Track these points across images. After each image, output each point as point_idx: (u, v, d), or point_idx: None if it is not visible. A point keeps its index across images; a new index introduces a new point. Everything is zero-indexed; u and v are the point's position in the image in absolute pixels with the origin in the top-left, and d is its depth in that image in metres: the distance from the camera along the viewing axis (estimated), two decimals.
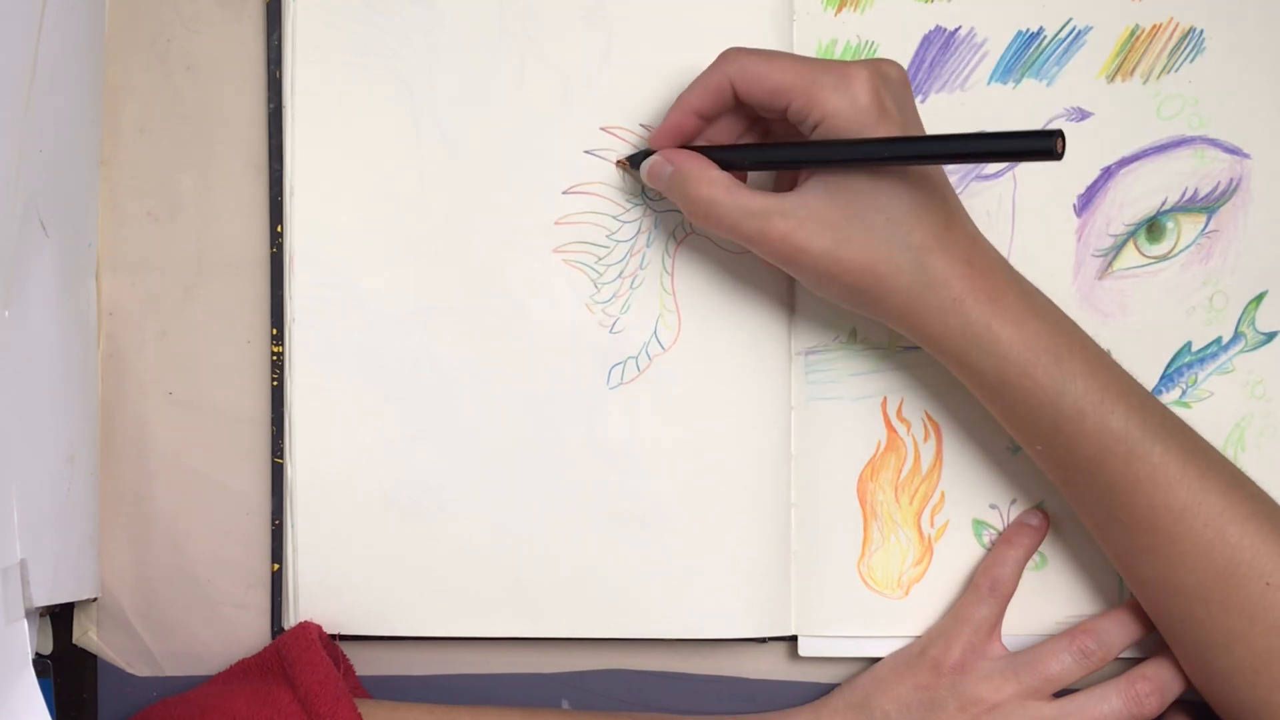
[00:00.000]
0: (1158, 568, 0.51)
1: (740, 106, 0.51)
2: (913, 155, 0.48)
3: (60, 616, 0.57)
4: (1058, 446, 0.51)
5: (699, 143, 0.53)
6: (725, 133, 0.53)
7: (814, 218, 0.49)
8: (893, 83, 0.50)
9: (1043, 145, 0.44)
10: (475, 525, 0.56)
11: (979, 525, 0.57)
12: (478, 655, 0.57)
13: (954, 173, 0.56)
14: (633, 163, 0.55)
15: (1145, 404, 0.50)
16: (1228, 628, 0.50)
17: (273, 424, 0.56)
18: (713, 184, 0.50)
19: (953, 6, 0.57)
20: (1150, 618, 0.53)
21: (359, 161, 0.56)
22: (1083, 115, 0.57)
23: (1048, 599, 0.57)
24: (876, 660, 0.57)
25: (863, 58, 0.56)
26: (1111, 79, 0.57)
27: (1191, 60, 0.57)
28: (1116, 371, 0.51)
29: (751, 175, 0.54)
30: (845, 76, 0.48)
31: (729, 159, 0.52)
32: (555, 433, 0.56)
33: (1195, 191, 0.57)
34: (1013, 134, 0.45)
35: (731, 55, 0.50)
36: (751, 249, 0.51)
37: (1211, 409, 0.57)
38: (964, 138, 0.47)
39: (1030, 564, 0.56)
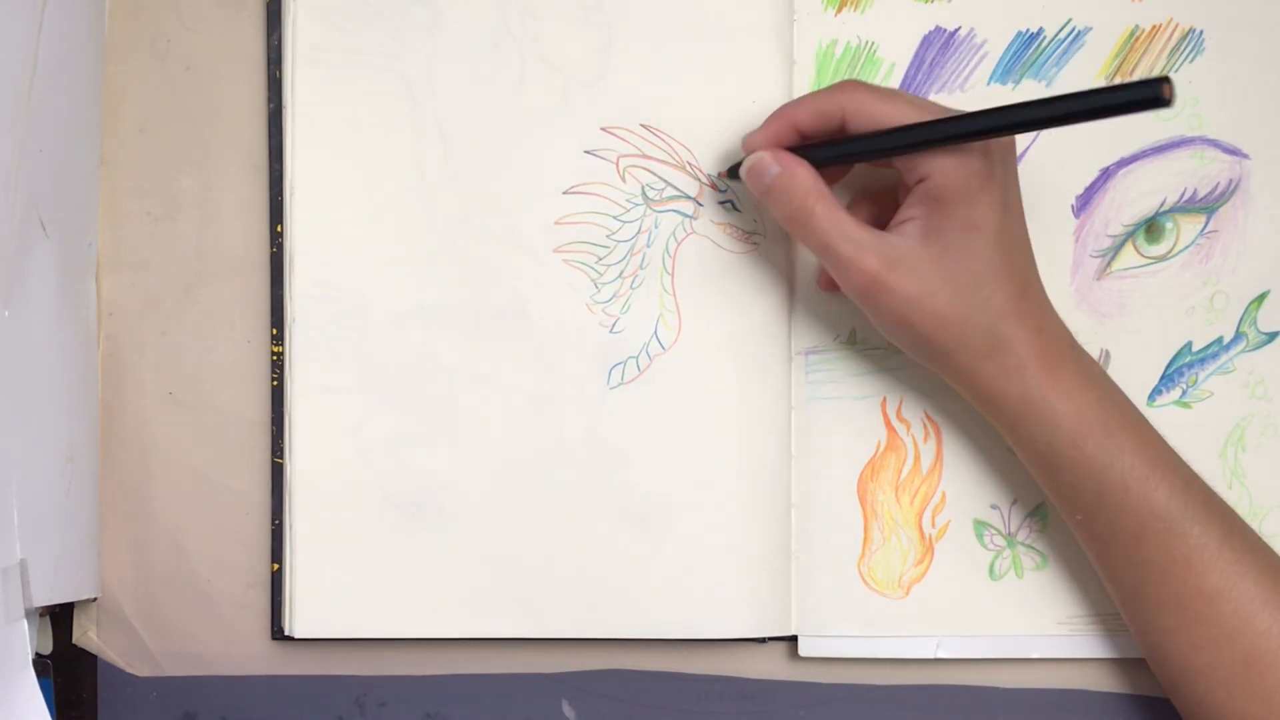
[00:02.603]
0: (1182, 648, 0.51)
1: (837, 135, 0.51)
2: (1029, 121, 0.47)
3: (60, 616, 0.57)
4: (1099, 519, 0.51)
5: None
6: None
7: (906, 263, 0.49)
8: (1003, 146, 0.50)
9: (1151, 93, 0.44)
10: (475, 525, 0.56)
11: (980, 525, 0.57)
12: (478, 655, 0.57)
13: None
14: (732, 174, 0.55)
15: (1189, 483, 0.51)
16: (1248, 713, 0.50)
17: (273, 424, 0.56)
18: (820, 196, 0.50)
19: (953, 7, 0.57)
20: (1167, 693, 0.53)
21: (359, 161, 0.56)
22: None
23: (1048, 599, 0.57)
24: (877, 661, 0.57)
25: (863, 59, 0.56)
26: (1111, 79, 0.57)
27: (1191, 61, 0.57)
28: (1163, 449, 0.51)
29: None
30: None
31: (830, 154, 0.51)
32: (555, 433, 0.56)
33: (1194, 192, 0.57)
34: (1121, 86, 0.45)
35: (851, 87, 0.51)
36: (833, 272, 0.51)
37: (1212, 409, 0.57)
38: (1073, 97, 0.46)
39: (1031, 564, 0.57)
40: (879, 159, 0.51)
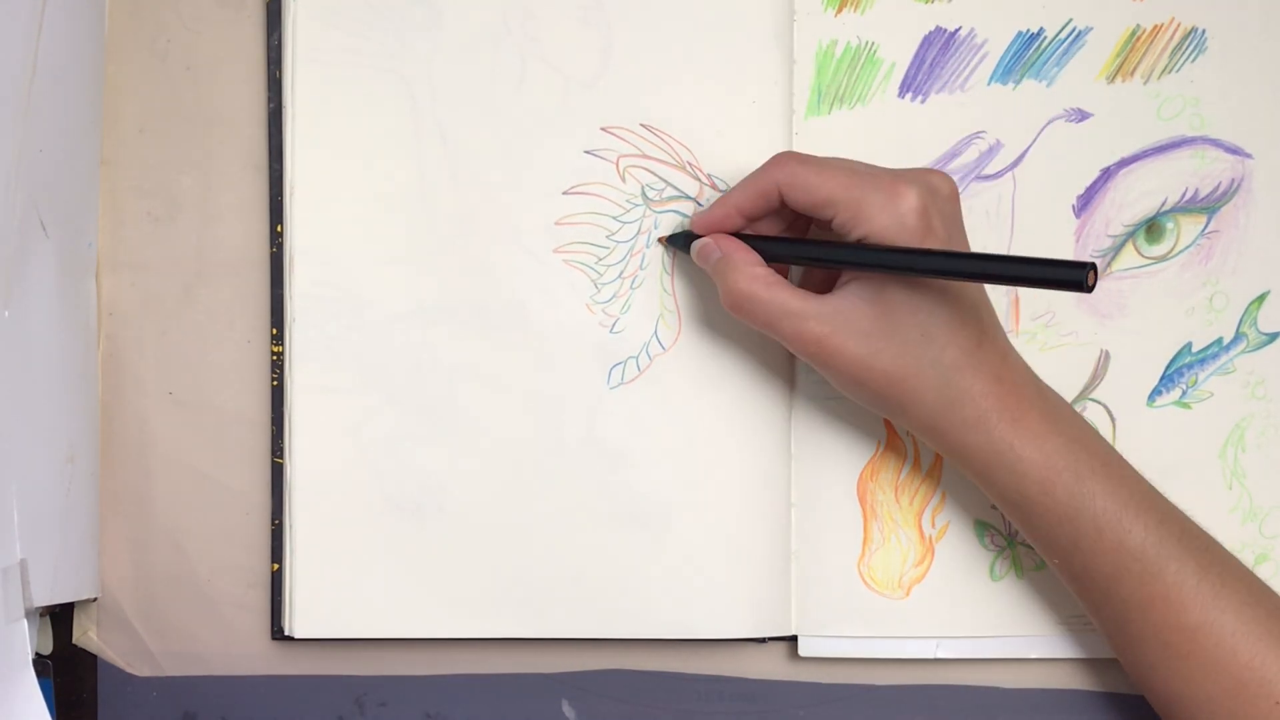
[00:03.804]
0: (1169, 681, 0.51)
1: (783, 208, 0.52)
2: (948, 271, 0.48)
3: (60, 616, 0.57)
4: (1075, 562, 0.51)
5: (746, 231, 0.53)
6: (766, 227, 0.53)
7: (849, 325, 0.49)
8: (941, 198, 0.50)
9: (1074, 276, 0.44)
10: (475, 525, 0.56)
11: (981, 526, 0.57)
12: (478, 655, 0.57)
13: (955, 173, 0.56)
14: (671, 241, 0.55)
15: (1164, 519, 0.50)
16: None
17: (273, 424, 0.56)
18: (754, 279, 0.51)
19: (953, 7, 0.57)
20: (1161, 717, 0.53)
21: (359, 161, 0.56)
22: (1082, 116, 0.57)
23: (1048, 599, 0.56)
24: (877, 661, 0.57)
25: (863, 59, 0.56)
26: (1112, 79, 0.57)
27: (1193, 60, 0.57)
28: (1137, 485, 0.51)
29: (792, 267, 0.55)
30: (894, 195, 0.49)
31: (773, 251, 0.52)
32: (555, 433, 0.56)
33: (1196, 192, 0.57)
34: (1047, 261, 0.45)
35: (782, 161, 0.51)
36: (784, 345, 0.51)
37: (1212, 409, 0.57)
38: (1001, 259, 0.47)
39: (1031, 564, 0.56)
40: (808, 265, 0.53)
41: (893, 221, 0.49)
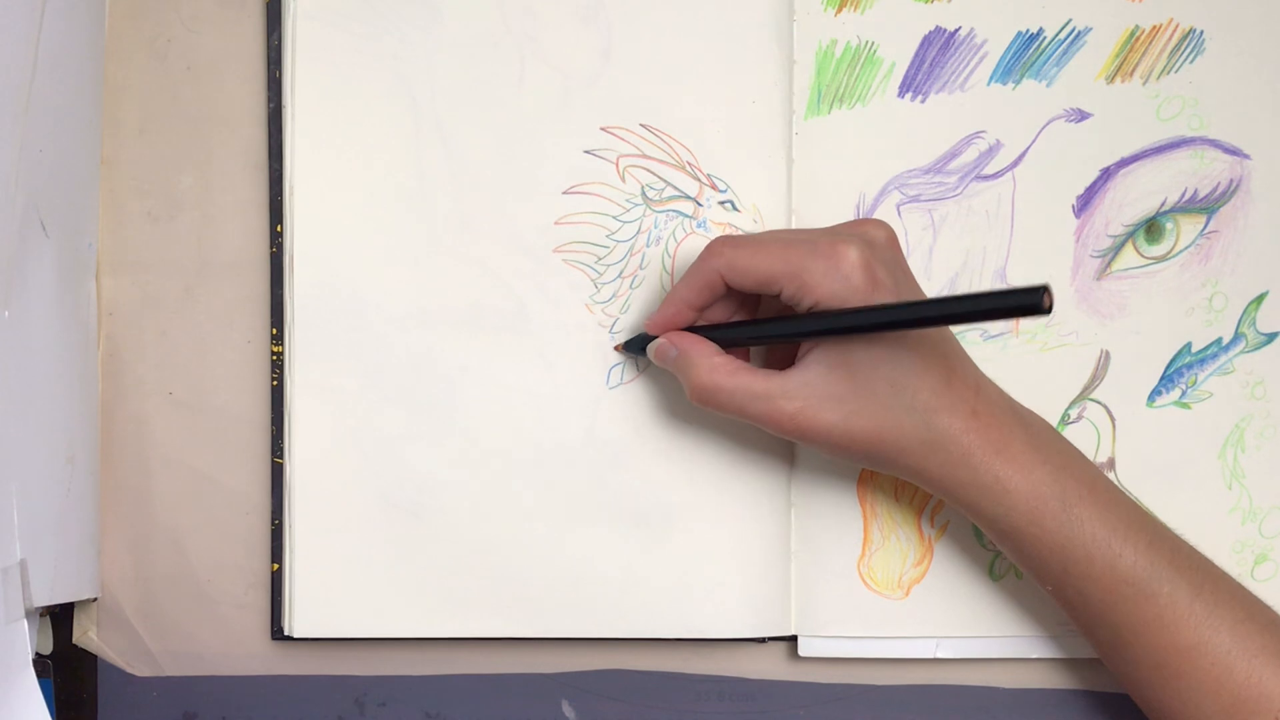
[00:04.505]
0: (1166, 700, 0.51)
1: (732, 290, 0.52)
2: (907, 320, 0.47)
3: (60, 616, 0.57)
4: (1068, 588, 0.51)
5: (699, 323, 0.53)
6: (720, 311, 0.53)
7: (818, 395, 0.49)
8: (880, 248, 0.50)
9: (1030, 301, 0.43)
10: (475, 525, 0.56)
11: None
12: (478, 655, 0.57)
13: (954, 173, 0.56)
14: (628, 348, 0.55)
15: (1154, 541, 0.50)
16: None
17: (272, 424, 0.56)
18: (714, 370, 0.51)
19: (953, 7, 0.57)
20: None
21: (359, 161, 0.56)
22: (1082, 116, 0.57)
23: (1048, 600, 0.56)
24: (877, 661, 0.57)
25: (863, 59, 0.56)
26: (1111, 80, 0.57)
27: (1191, 61, 0.57)
28: (1126, 510, 0.51)
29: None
30: (834, 258, 0.49)
31: (728, 337, 0.52)
32: (555, 433, 0.56)
33: (1195, 192, 0.57)
34: (1000, 293, 0.45)
35: (717, 249, 0.51)
36: (760, 428, 0.51)
37: (1211, 409, 0.57)
38: (955, 300, 0.46)
39: None
40: (765, 344, 0.53)
41: (838, 284, 0.48)
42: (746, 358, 0.54)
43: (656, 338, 0.53)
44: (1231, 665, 0.50)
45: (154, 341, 0.57)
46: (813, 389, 0.50)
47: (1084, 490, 0.50)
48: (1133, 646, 0.51)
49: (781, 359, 0.54)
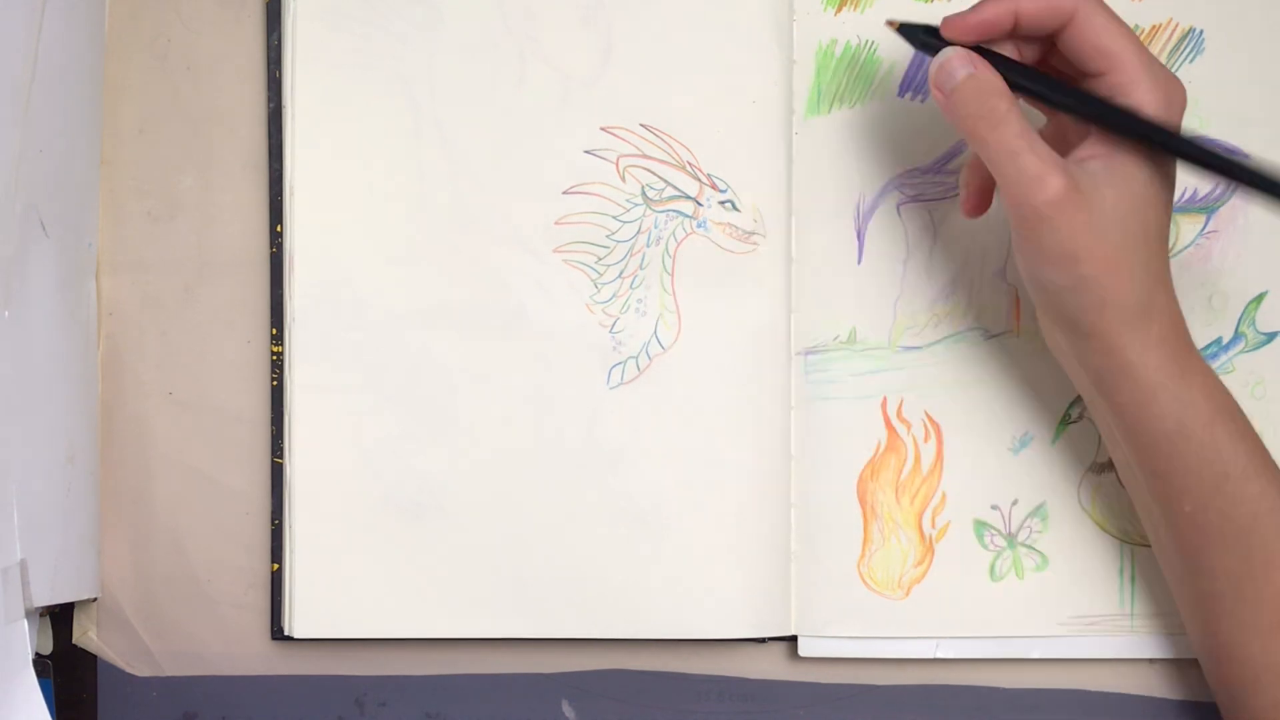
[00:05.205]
0: (1270, 653, 0.50)
1: (1049, 49, 0.49)
2: (1211, 164, 0.47)
3: (60, 616, 0.57)
4: (1212, 508, 0.49)
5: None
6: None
7: (1091, 191, 0.47)
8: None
9: None
10: (475, 525, 0.56)
11: (980, 526, 0.57)
12: (478, 655, 0.57)
13: (955, 172, 0.56)
14: (905, 32, 0.50)
15: None
16: None
17: (272, 424, 0.56)
18: (1013, 105, 0.47)
19: (953, 7, 0.56)
20: (1228, 700, 0.52)
21: (359, 161, 0.56)
22: None
23: (1048, 600, 0.56)
24: (877, 661, 0.57)
25: (863, 59, 0.56)
26: None
27: (1191, 61, 0.57)
28: (1266, 451, 0.50)
29: None
30: (1171, 83, 0.47)
31: (1029, 83, 0.48)
32: (555, 433, 0.56)
33: (1194, 192, 0.57)
34: None
35: None
36: (1010, 188, 0.47)
37: None
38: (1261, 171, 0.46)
39: (1031, 565, 0.56)
40: (1071, 115, 0.49)
41: (1162, 106, 0.47)
42: None
43: (945, 46, 0.48)
44: None
45: (154, 341, 0.57)
46: (1087, 183, 0.47)
47: (1240, 411, 0.50)
48: (1260, 582, 0.49)
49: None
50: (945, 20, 0.49)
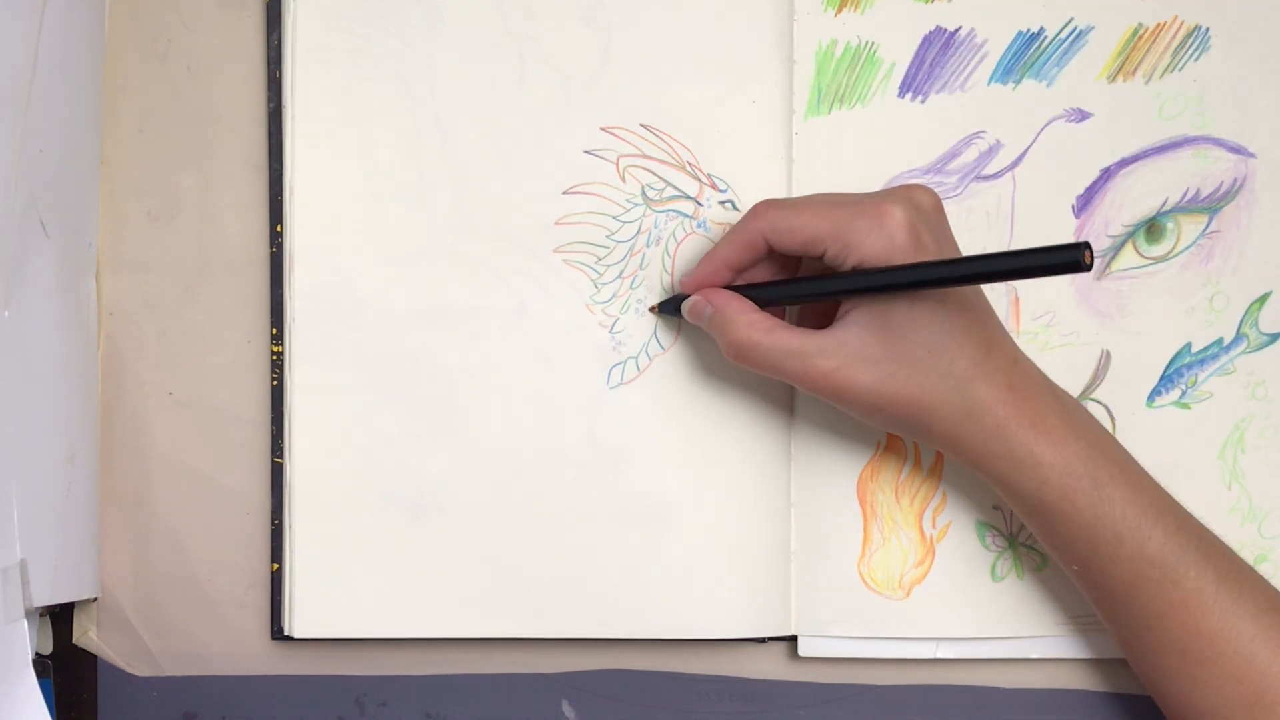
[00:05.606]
0: (1185, 689, 0.51)
1: (772, 253, 0.52)
2: (949, 278, 0.47)
3: (60, 616, 0.57)
4: (1093, 569, 0.51)
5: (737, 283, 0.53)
6: (759, 274, 0.53)
7: (855, 354, 0.49)
8: (926, 212, 0.50)
9: (1071, 258, 0.44)
10: (475, 525, 0.56)
11: (982, 527, 0.57)
12: (478, 655, 0.57)
13: (954, 173, 0.56)
14: (663, 309, 0.55)
15: (1182, 526, 0.50)
16: None
17: (272, 424, 0.56)
18: (752, 326, 0.51)
19: (953, 6, 0.57)
20: None
21: (359, 161, 0.56)
22: (1082, 116, 0.57)
23: (1049, 600, 0.56)
24: (877, 661, 0.57)
25: (863, 59, 0.56)
26: (1113, 79, 0.57)
27: (1196, 59, 0.57)
28: (1155, 493, 0.51)
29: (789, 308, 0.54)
30: (879, 217, 0.49)
31: (765, 296, 0.52)
32: (555, 433, 0.56)
33: (1197, 191, 0.57)
34: (1042, 250, 0.45)
35: (762, 210, 0.51)
36: (795, 386, 0.51)
37: (1212, 410, 0.57)
38: (997, 257, 0.47)
39: (1032, 565, 0.56)
40: (804, 302, 0.52)
41: (882, 243, 0.48)
42: (783, 317, 0.54)
43: (690, 297, 0.53)
44: (1254, 654, 0.49)
45: (154, 341, 0.57)
46: (850, 348, 0.49)
47: (1115, 470, 0.50)
48: (1156, 631, 0.50)
49: (818, 321, 0.53)
50: (681, 282, 0.54)
